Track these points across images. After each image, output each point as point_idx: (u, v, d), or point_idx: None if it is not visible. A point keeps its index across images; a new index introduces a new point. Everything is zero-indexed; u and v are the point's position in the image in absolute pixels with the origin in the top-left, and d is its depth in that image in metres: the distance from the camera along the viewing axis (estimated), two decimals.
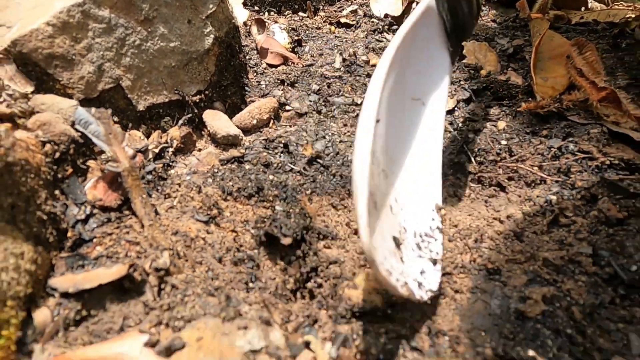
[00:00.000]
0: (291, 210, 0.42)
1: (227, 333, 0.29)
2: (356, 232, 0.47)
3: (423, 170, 0.44)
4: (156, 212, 0.42)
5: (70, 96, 0.45)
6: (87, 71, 0.46)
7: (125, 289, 0.33)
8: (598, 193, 0.48)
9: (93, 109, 0.41)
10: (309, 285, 0.38)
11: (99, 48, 0.47)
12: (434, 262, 0.38)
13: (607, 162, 0.53)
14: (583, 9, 1.09)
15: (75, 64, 0.45)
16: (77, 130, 0.40)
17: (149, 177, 0.46)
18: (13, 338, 0.27)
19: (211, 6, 0.57)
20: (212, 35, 0.58)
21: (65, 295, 0.32)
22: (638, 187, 0.47)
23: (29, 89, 0.42)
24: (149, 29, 0.51)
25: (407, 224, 0.39)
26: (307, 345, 0.31)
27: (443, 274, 0.40)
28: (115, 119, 0.49)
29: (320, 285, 0.40)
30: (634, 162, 0.52)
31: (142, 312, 0.32)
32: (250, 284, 0.38)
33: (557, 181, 0.52)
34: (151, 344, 0.28)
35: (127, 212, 0.40)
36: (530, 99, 0.66)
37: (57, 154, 0.39)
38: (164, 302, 0.32)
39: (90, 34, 0.46)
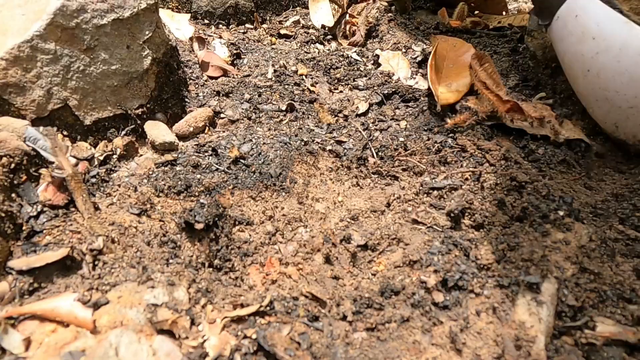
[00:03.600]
0: (206, 202, 0.53)
1: (139, 291, 0.40)
2: (270, 217, 0.58)
3: None
4: (97, 208, 0.52)
5: (23, 117, 0.55)
6: (38, 95, 0.56)
7: (67, 266, 0.44)
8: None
9: (41, 128, 0.51)
10: (216, 262, 0.49)
11: (47, 75, 0.57)
12: None
13: (478, 154, 0.65)
14: (504, 13, 1.22)
15: (27, 90, 0.55)
16: (28, 146, 0.50)
17: (93, 180, 0.56)
18: None
19: (147, 32, 0.67)
20: (149, 57, 0.68)
21: (20, 272, 0.42)
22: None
23: None
24: (92, 56, 0.61)
25: None
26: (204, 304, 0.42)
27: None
28: (65, 133, 0.59)
29: (228, 260, 0.51)
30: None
31: (80, 282, 0.43)
32: (171, 260, 0.48)
33: (427, 171, 0.64)
34: (83, 302, 0.39)
35: (72, 209, 0.51)
36: (453, 115, 0.75)
37: (13, 165, 0.49)
38: (95, 273, 0.42)
39: (38, 64, 0.56)
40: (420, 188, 0.61)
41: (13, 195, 0.48)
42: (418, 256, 0.50)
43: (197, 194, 0.58)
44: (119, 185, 0.57)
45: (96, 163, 0.59)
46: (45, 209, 0.49)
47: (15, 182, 0.49)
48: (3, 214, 0.45)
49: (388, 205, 0.61)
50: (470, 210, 0.54)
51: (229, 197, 0.60)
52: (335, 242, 0.54)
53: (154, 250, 0.49)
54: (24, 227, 0.47)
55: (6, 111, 0.54)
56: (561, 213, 0.50)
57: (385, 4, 1.07)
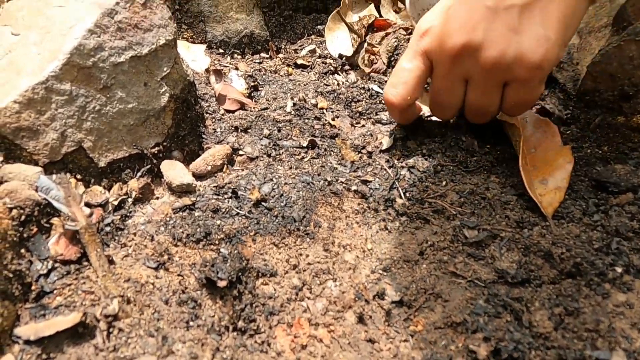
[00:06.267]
0: (228, 255, 0.49)
1: None
2: (294, 266, 0.54)
3: None
4: (112, 262, 0.48)
5: (36, 162, 0.51)
6: (51, 138, 0.53)
7: (79, 333, 0.40)
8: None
9: (54, 176, 0.48)
10: (240, 323, 0.44)
11: (62, 117, 0.54)
12: None
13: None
14: None
15: (40, 133, 0.52)
16: (40, 195, 0.46)
17: (107, 229, 0.52)
18: None
19: (165, 69, 0.65)
20: (167, 94, 0.65)
21: (27, 342, 0.38)
22: None
23: None
24: (108, 95, 0.58)
25: None
26: None
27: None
28: (78, 176, 0.56)
29: (253, 320, 0.46)
30: None
31: (93, 354, 0.38)
32: (191, 323, 0.44)
33: (460, 214, 0.60)
34: None
35: (85, 264, 0.47)
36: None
37: (23, 217, 0.45)
38: (110, 345, 0.38)
39: (53, 106, 0.53)
40: (454, 234, 0.57)
41: (22, 250, 0.44)
42: (462, 317, 0.46)
43: (217, 242, 0.54)
44: (135, 234, 0.53)
45: (110, 209, 0.55)
46: (56, 264, 0.45)
47: (25, 235, 0.45)
48: (11, 275, 0.41)
49: (421, 253, 0.56)
50: (513, 263, 0.50)
51: (251, 245, 0.56)
52: (368, 298, 0.50)
53: (173, 310, 0.45)
54: (33, 287, 0.43)
55: (17, 156, 0.50)
56: (619, 270, 0.45)
57: (404, 32, 1.04)
